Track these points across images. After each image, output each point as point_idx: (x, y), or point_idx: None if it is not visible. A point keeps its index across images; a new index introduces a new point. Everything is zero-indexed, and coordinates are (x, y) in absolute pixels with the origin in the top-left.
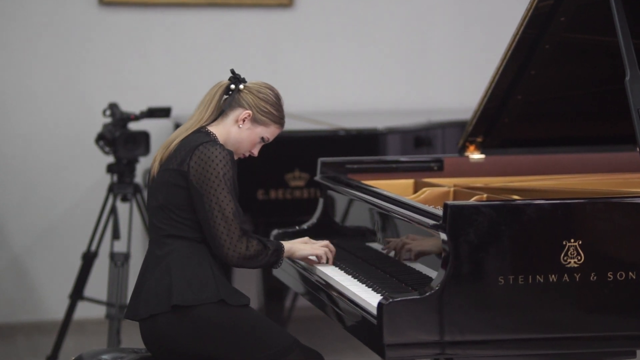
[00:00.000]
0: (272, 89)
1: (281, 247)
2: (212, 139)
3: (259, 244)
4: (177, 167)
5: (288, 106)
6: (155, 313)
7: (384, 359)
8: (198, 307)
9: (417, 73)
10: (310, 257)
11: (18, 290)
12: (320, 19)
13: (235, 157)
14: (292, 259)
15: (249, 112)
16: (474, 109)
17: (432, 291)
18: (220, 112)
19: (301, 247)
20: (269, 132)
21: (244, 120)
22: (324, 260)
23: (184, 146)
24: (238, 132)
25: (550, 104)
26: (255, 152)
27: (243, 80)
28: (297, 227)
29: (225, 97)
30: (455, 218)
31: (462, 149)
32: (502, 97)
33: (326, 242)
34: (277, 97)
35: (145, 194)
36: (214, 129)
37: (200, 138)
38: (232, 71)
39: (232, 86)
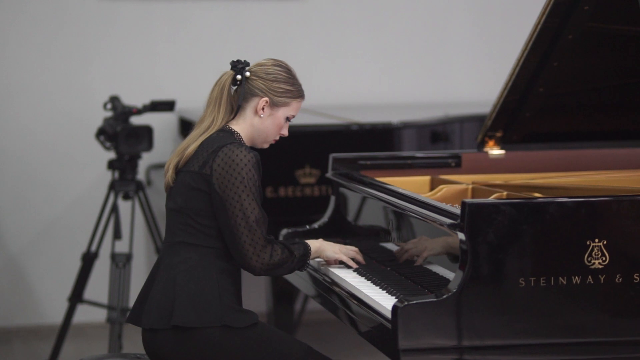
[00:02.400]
0: (279, 64)
1: (308, 252)
2: (236, 140)
3: (284, 251)
4: (199, 170)
5: None
6: (156, 328)
7: None
8: (200, 330)
9: (434, 64)
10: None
11: (14, 293)
12: (333, 9)
13: (266, 145)
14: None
15: (266, 99)
16: (493, 103)
17: (450, 294)
18: (237, 107)
19: (332, 247)
20: (292, 109)
21: (263, 109)
22: (350, 264)
23: (207, 147)
24: (261, 122)
25: (574, 96)
26: (285, 132)
27: (246, 64)
28: (307, 226)
29: (233, 88)
30: (474, 217)
31: (481, 144)
32: (523, 89)
33: (356, 248)
34: (288, 71)
35: (147, 191)
36: (236, 126)
37: (225, 138)
38: (232, 62)
39: (238, 76)
